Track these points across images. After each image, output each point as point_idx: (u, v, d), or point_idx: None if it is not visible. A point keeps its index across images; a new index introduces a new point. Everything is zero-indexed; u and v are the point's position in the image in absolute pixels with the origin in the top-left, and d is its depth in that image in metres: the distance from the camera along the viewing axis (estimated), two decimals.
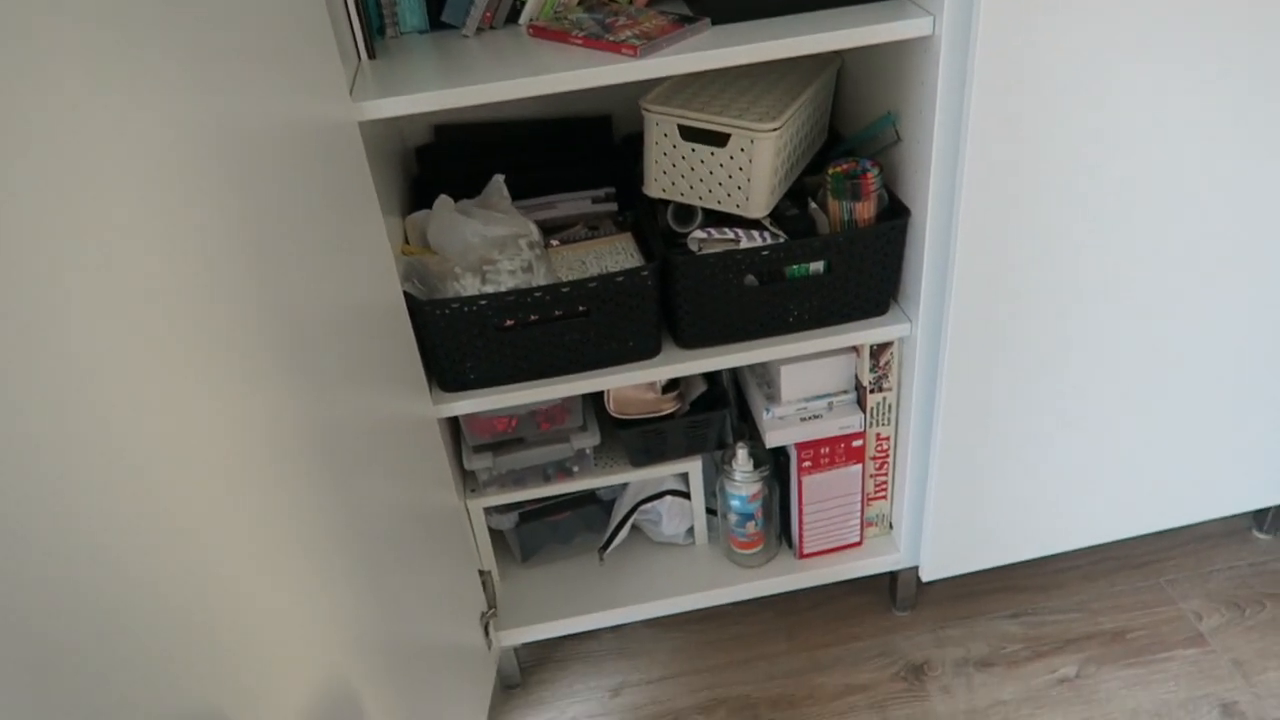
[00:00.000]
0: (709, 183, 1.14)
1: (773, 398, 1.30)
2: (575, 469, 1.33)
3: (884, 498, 1.40)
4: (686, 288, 1.14)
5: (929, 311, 1.16)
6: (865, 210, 1.15)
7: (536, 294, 1.10)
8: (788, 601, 1.52)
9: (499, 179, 1.22)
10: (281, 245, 0.74)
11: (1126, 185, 1.07)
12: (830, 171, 1.15)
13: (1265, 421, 1.33)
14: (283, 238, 0.75)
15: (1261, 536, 1.57)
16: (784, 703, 1.39)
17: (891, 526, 1.43)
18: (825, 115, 1.30)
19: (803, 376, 1.28)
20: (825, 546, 1.41)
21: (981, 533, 1.36)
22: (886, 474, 1.38)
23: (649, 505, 1.42)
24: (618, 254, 1.23)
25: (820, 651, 1.46)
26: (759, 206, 1.14)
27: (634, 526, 1.45)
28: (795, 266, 1.16)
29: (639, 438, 1.31)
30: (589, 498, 1.44)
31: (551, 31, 1.07)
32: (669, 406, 1.31)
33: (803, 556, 1.42)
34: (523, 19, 1.13)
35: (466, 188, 1.22)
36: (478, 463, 1.28)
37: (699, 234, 1.17)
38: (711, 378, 1.37)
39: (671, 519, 1.44)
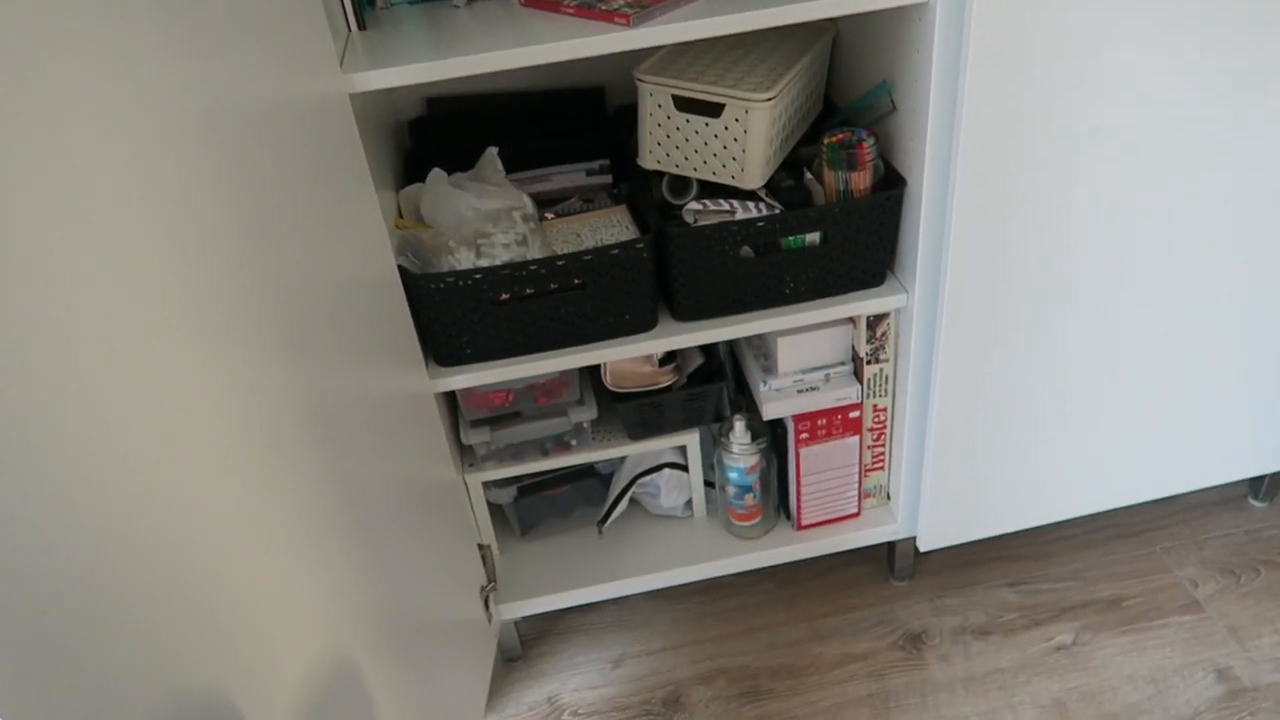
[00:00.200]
0: (704, 154, 1.14)
1: (770, 370, 1.30)
2: (573, 443, 1.33)
3: (881, 469, 1.41)
4: (682, 260, 1.13)
5: (925, 282, 1.16)
6: (861, 180, 1.14)
7: (531, 267, 1.10)
8: (787, 572, 1.53)
9: (492, 152, 1.21)
10: (273, 221, 0.74)
11: (1125, 153, 1.07)
12: (826, 141, 1.15)
13: (1260, 390, 1.33)
14: (274, 213, 0.74)
15: (1256, 504, 1.57)
16: (784, 672, 1.40)
17: (889, 497, 1.43)
18: (820, 85, 1.29)
19: (799, 348, 1.28)
20: (823, 518, 1.42)
21: (978, 502, 1.36)
22: (884, 445, 1.38)
23: (647, 478, 1.42)
24: (613, 227, 1.22)
25: (819, 621, 1.47)
26: (754, 177, 1.13)
27: (632, 499, 1.46)
28: (791, 238, 1.15)
29: (636, 411, 1.31)
30: (587, 471, 1.44)
31: (543, 1, 1.06)
32: (666, 379, 1.31)
33: (801, 528, 1.42)
34: None
35: (460, 161, 1.21)
36: (475, 437, 1.28)
37: (694, 205, 1.16)
38: (708, 350, 1.37)
39: (670, 492, 1.44)
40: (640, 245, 1.11)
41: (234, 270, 0.66)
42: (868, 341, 1.26)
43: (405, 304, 1.10)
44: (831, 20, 1.27)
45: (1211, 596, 1.44)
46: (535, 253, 1.14)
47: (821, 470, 1.37)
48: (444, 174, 1.17)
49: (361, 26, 1.07)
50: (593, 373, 1.33)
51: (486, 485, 1.36)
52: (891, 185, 1.15)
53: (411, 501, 1.05)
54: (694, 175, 1.17)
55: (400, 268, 1.09)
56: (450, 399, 1.31)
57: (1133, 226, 1.13)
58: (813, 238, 1.16)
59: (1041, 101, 1.01)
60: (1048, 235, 1.11)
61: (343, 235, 0.91)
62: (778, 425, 1.36)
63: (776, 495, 1.43)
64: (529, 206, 1.16)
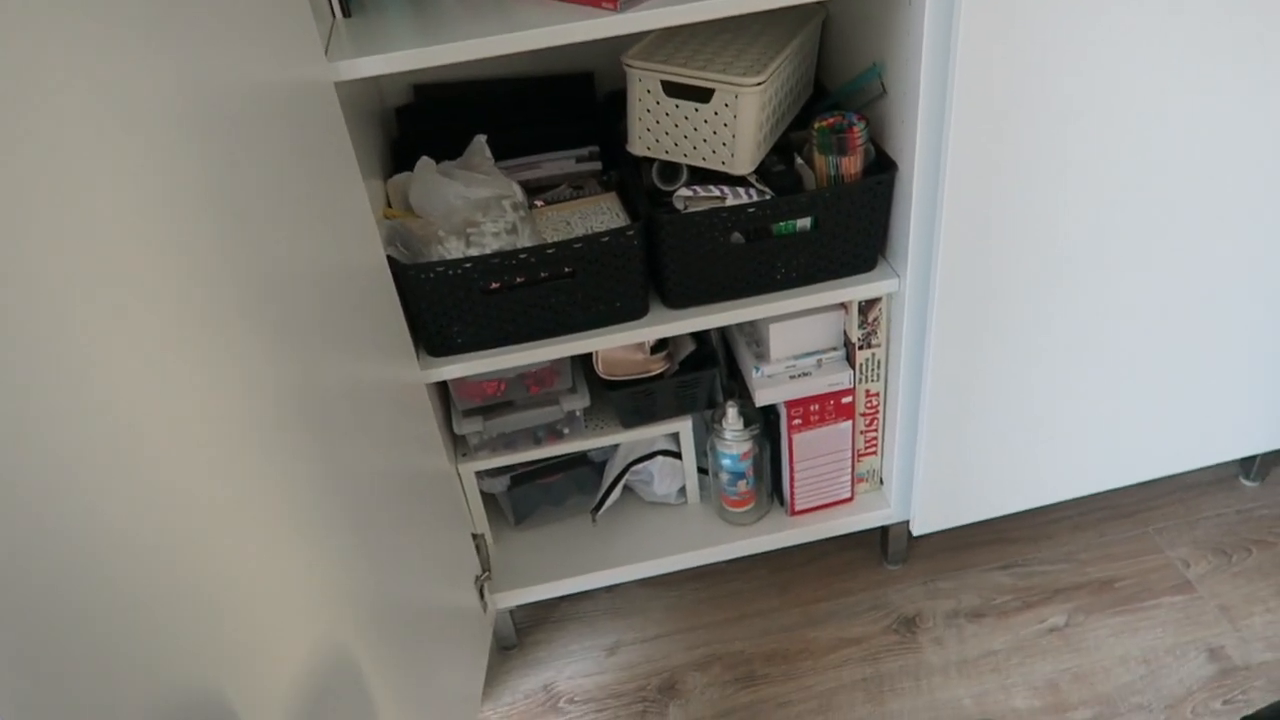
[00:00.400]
0: (694, 139, 1.13)
1: (762, 356, 1.30)
2: (565, 431, 1.33)
3: (874, 453, 1.41)
4: (673, 247, 1.13)
5: (917, 266, 1.16)
6: (852, 165, 1.14)
7: (522, 256, 1.09)
8: (780, 558, 1.53)
9: (481, 139, 1.20)
10: (260, 212, 0.73)
11: (1118, 136, 1.06)
12: (816, 126, 1.14)
13: (1251, 370, 1.33)
14: (261, 204, 0.73)
15: (1248, 484, 1.58)
16: (778, 657, 1.41)
17: (882, 482, 1.44)
18: (810, 69, 1.28)
19: (791, 334, 1.27)
20: (816, 503, 1.42)
21: (971, 486, 1.37)
22: (876, 430, 1.38)
23: (640, 466, 1.42)
24: (603, 214, 1.21)
25: (813, 606, 1.47)
26: (745, 163, 1.13)
27: (626, 487, 1.45)
28: (782, 223, 1.15)
29: (629, 399, 1.31)
30: (580, 459, 1.44)
31: None
32: (658, 367, 1.31)
33: (794, 513, 1.43)
34: None
35: (448, 148, 1.20)
36: (467, 427, 1.28)
37: (684, 192, 1.15)
38: (700, 337, 1.37)
39: (663, 479, 1.44)
40: (631, 232, 1.11)
41: (219, 261, 0.65)
42: (860, 327, 1.26)
43: (395, 294, 1.10)
44: (821, 2, 1.26)
45: (1203, 576, 1.45)
46: (525, 241, 1.13)
47: (814, 456, 1.37)
48: (432, 162, 1.16)
49: (346, 13, 1.06)
50: (585, 361, 1.33)
51: (479, 475, 1.36)
52: (882, 169, 1.14)
53: (404, 492, 1.04)
54: (684, 161, 1.16)
55: (389, 257, 1.08)
56: (442, 389, 1.30)
57: (1124, 210, 1.13)
58: (804, 223, 1.15)
59: (1034, 84, 1.00)
60: (1039, 218, 1.11)
61: (331, 225, 0.90)
62: (770, 411, 1.36)
63: (769, 481, 1.43)
64: (518, 194, 1.15)
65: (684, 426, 1.38)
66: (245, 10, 0.76)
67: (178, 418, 0.57)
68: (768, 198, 1.13)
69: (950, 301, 1.16)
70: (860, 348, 1.28)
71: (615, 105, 1.30)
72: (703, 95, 1.09)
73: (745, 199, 1.13)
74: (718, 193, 1.14)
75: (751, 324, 1.33)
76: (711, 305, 1.18)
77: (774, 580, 1.52)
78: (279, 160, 0.79)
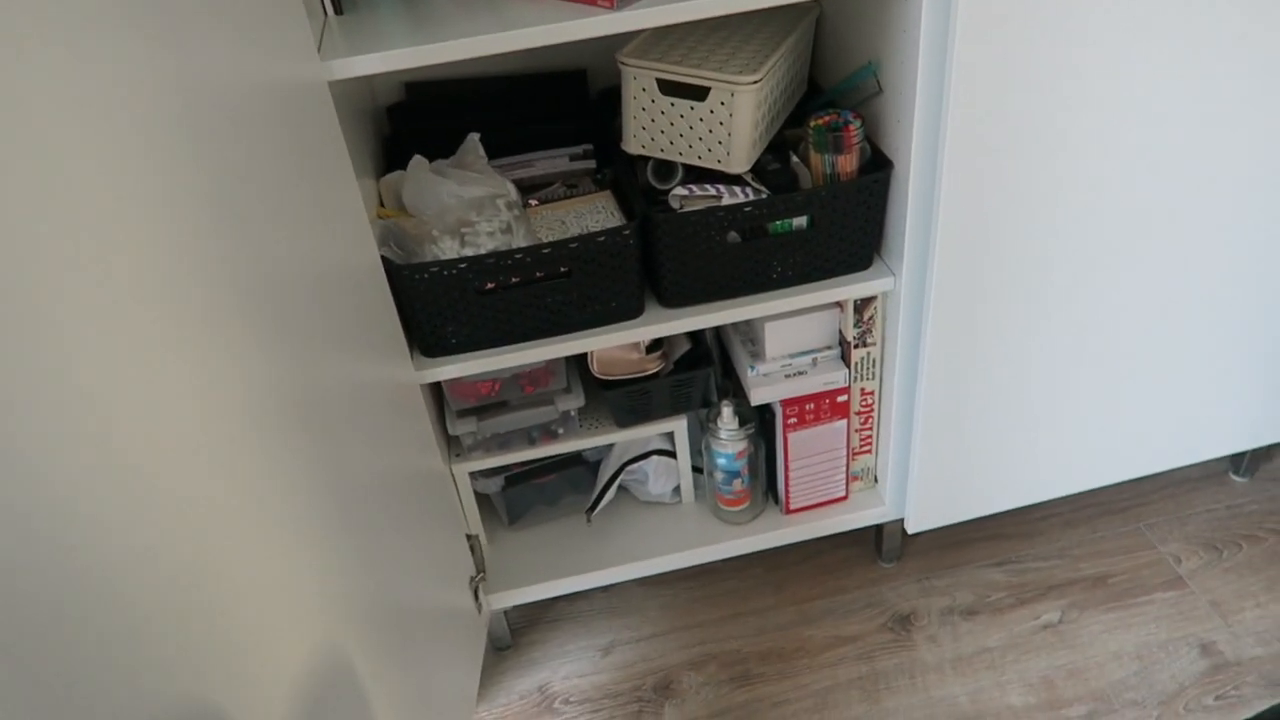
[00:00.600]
0: (689, 138, 1.12)
1: (757, 355, 1.30)
2: (560, 431, 1.32)
3: (869, 452, 1.41)
4: (668, 246, 1.12)
5: (913, 265, 1.15)
6: (848, 163, 1.13)
7: (516, 256, 1.09)
8: (775, 556, 1.53)
9: (474, 138, 1.19)
10: (251, 211, 0.72)
11: (1114, 134, 1.06)
12: (812, 124, 1.14)
13: (1241, 367, 1.34)
14: (253, 204, 0.72)
15: (1238, 480, 1.59)
16: (774, 656, 1.41)
17: (877, 480, 1.44)
18: (805, 66, 1.28)
19: (787, 333, 1.27)
20: (811, 501, 1.42)
21: (965, 484, 1.37)
22: (871, 428, 1.38)
23: (635, 465, 1.42)
24: (598, 213, 1.21)
25: (808, 605, 1.47)
26: (740, 161, 1.12)
27: (621, 487, 1.45)
28: (778, 222, 1.14)
29: (624, 398, 1.30)
30: (575, 459, 1.43)
31: None
32: (653, 366, 1.30)
33: (789, 512, 1.42)
34: None
35: (441, 146, 1.19)
36: (462, 427, 1.27)
37: (680, 190, 1.15)
38: (695, 336, 1.36)
39: (658, 478, 1.44)
40: (626, 232, 1.10)
41: (212, 261, 0.64)
42: (855, 325, 1.26)
43: (389, 295, 1.09)
44: (816, 0, 1.25)
45: (1195, 572, 1.46)
46: (520, 240, 1.12)
47: (809, 454, 1.36)
48: (425, 161, 1.15)
49: (339, 11, 1.05)
50: (579, 360, 1.32)
51: (474, 475, 1.35)
52: (878, 168, 1.14)
53: (398, 493, 1.03)
54: (679, 159, 1.15)
55: (383, 257, 1.07)
56: (436, 389, 1.29)
57: (1119, 209, 1.13)
58: (799, 222, 1.15)
59: (1030, 81, 1.00)
60: (1035, 217, 1.11)
61: (325, 225, 0.89)
62: (765, 410, 1.36)
63: (764, 480, 1.43)
64: (513, 193, 1.14)
65: (679, 426, 1.37)
66: (238, 9, 0.75)
67: (169, 419, 0.56)
68: (764, 196, 1.13)
69: (945, 300, 1.15)
70: (855, 346, 1.28)
71: (610, 103, 1.29)
72: (698, 93, 1.08)
73: (741, 198, 1.13)
74: (713, 191, 1.14)
75: (747, 323, 1.32)
76: (707, 304, 1.18)
77: (769, 579, 1.52)
78: (273, 160, 0.78)
